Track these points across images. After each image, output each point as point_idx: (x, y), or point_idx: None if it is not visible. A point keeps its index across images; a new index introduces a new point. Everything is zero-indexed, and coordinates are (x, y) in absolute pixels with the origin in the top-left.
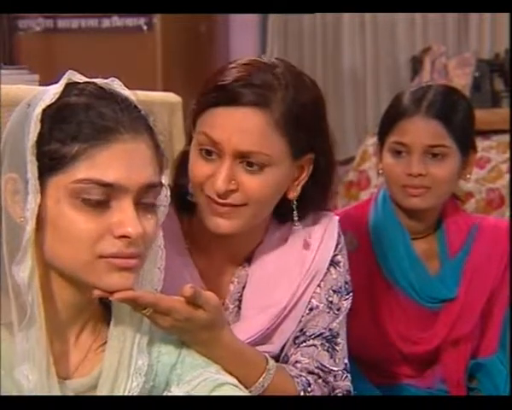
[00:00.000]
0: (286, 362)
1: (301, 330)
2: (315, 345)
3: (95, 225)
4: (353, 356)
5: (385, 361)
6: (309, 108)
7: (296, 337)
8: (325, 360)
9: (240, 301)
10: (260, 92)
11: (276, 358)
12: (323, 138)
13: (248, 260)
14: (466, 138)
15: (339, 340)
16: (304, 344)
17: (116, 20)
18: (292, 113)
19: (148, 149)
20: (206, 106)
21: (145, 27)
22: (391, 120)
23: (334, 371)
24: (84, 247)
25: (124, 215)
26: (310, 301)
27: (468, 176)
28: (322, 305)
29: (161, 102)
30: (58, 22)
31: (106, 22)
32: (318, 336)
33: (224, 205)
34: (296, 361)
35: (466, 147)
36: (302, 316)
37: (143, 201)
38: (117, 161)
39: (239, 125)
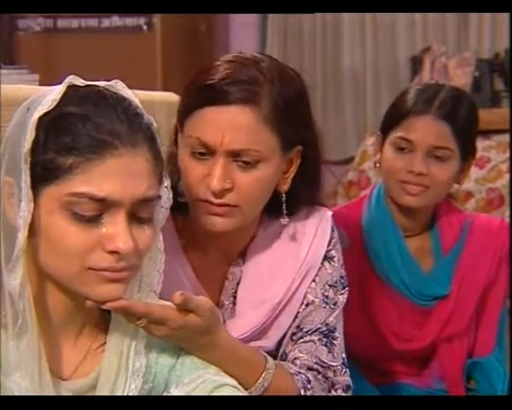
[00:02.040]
0: (284, 359)
1: (298, 326)
2: (312, 341)
3: (86, 238)
4: (349, 355)
5: (380, 359)
6: (295, 101)
7: (293, 334)
8: (323, 356)
9: (235, 297)
10: (247, 89)
11: (273, 353)
12: (310, 130)
13: (242, 256)
14: (468, 144)
15: (336, 334)
16: (301, 340)
17: (116, 20)
18: (279, 107)
19: (145, 163)
20: (193, 107)
21: (145, 27)
22: (398, 115)
23: (333, 366)
24: (74, 259)
25: (115, 230)
26: (305, 297)
27: (462, 180)
28: (317, 300)
29: (161, 101)
30: (58, 22)
31: (106, 22)
32: (315, 331)
33: (219, 205)
34: (295, 358)
35: (467, 152)
36: (298, 312)
37: (138, 214)
38: (111, 176)
39: (229, 125)
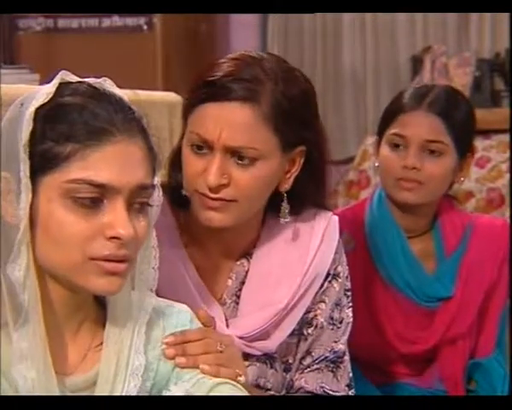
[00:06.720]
0: (291, 387)
1: (307, 350)
2: (319, 368)
3: (86, 225)
4: (352, 356)
5: (383, 361)
6: (299, 102)
7: (303, 358)
8: (328, 383)
9: (238, 296)
10: (249, 87)
11: (273, 354)
12: (314, 131)
13: (246, 255)
14: (464, 139)
15: (345, 358)
16: (308, 369)
17: (116, 20)
18: (281, 106)
19: (140, 151)
20: (195, 102)
21: (145, 27)
22: (392, 113)
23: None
24: (75, 248)
25: (115, 216)
26: (315, 318)
27: (461, 179)
28: (326, 323)
29: (162, 101)
30: (58, 22)
31: (106, 22)
32: (323, 360)
33: (215, 200)
34: (300, 388)
35: (464, 148)
36: (308, 334)
37: (135, 202)
38: (109, 163)
39: (228, 121)
